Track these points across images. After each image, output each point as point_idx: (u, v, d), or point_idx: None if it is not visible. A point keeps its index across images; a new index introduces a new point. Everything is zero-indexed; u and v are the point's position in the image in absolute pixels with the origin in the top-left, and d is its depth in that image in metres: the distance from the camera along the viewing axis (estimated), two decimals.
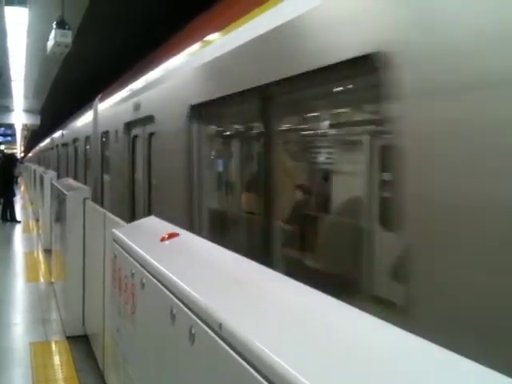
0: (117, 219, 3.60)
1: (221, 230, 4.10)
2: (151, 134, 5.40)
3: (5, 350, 4.83)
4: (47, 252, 9.28)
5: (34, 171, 15.32)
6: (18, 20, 9.37)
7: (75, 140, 11.39)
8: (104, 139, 8.02)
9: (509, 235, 1.41)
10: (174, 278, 1.60)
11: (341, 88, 2.48)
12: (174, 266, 1.78)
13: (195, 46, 4.01)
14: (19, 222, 14.18)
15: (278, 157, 2.92)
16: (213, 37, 3.58)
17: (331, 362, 0.95)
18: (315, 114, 3.04)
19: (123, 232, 2.55)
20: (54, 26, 6.72)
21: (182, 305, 1.46)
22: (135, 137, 6.21)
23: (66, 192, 5.34)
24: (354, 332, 1.07)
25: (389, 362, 0.92)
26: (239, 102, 3.19)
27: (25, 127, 30.67)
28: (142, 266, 1.94)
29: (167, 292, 1.61)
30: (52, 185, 7.91)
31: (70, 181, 7.52)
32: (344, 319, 1.15)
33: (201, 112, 3.85)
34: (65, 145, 13.65)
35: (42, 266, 8.66)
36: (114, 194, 7.43)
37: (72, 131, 11.62)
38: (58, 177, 11.21)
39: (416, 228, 1.71)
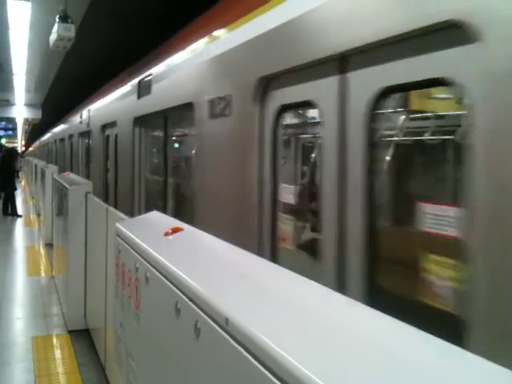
0: (118, 213, 3.60)
1: None
2: None
3: (7, 344, 4.85)
4: (48, 246, 9.30)
5: (36, 165, 15.31)
6: (21, 14, 9.35)
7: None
8: None
9: None
10: (179, 273, 1.59)
11: None
12: (179, 260, 1.77)
13: None
14: (20, 216, 14.21)
15: None
16: None
17: (339, 357, 0.94)
18: None
19: (126, 226, 2.55)
20: (57, 20, 6.70)
21: (186, 299, 1.46)
22: None
23: (68, 186, 5.34)
24: (362, 329, 1.07)
25: (396, 358, 0.92)
26: None
27: (26, 121, 30.63)
28: (146, 261, 1.94)
29: (172, 286, 1.60)
30: (53, 179, 7.91)
31: (72, 175, 7.51)
32: (353, 316, 1.15)
33: None
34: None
35: (44, 260, 8.67)
36: None
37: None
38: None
39: None
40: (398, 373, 0.86)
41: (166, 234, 2.13)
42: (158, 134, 5.69)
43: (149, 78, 5.28)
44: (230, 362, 1.16)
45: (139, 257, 2.05)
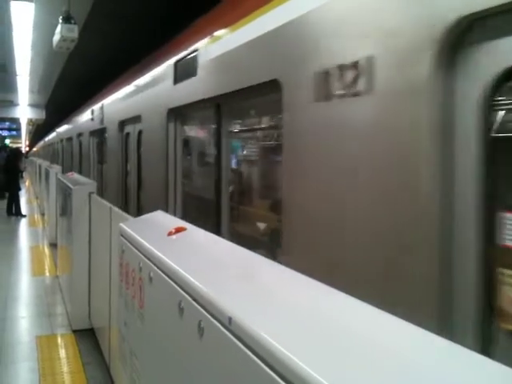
0: (122, 213, 3.61)
1: None
2: None
3: (12, 343, 4.87)
4: (53, 246, 9.33)
5: (40, 166, 15.36)
6: (24, 14, 9.38)
7: None
8: None
9: None
10: (182, 272, 1.60)
11: None
12: (182, 259, 1.78)
13: None
14: (24, 216, 14.25)
15: None
16: None
17: (342, 357, 0.95)
18: None
19: (130, 226, 2.56)
20: (60, 21, 6.72)
21: (190, 298, 1.47)
22: None
23: (71, 186, 5.35)
24: (367, 329, 1.07)
25: (401, 359, 0.92)
26: None
27: (30, 122, 30.73)
28: (150, 260, 1.95)
29: (175, 286, 1.61)
30: (57, 179, 7.93)
31: (76, 175, 7.53)
32: (355, 315, 1.15)
33: None
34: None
35: (48, 260, 8.70)
36: None
37: None
38: None
39: None
40: (403, 373, 0.87)
41: (170, 234, 2.13)
42: (206, 128, 4.50)
43: (193, 55, 3.99)
44: (233, 361, 1.16)
45: (143, 256, 2.06)
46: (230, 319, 1.18)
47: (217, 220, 3.64)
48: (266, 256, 1.64)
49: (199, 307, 1.39)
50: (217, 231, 3.43)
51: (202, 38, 3.80)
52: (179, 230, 2.15)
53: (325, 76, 2.18)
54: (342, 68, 2.05)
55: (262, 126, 3.64)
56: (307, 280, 1.39)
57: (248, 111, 3.76)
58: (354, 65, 1.98)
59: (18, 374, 4.21)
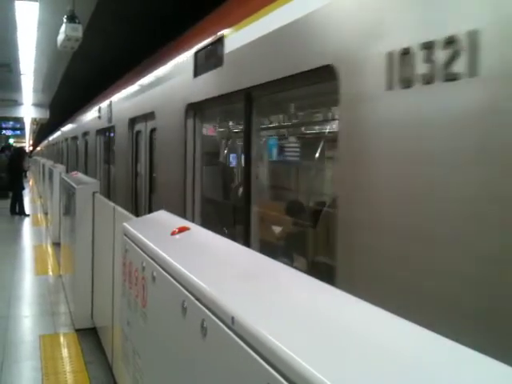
0: (125, 213, 3.61)
1: None
2: None
3: (15, 342, 4.88)
4: (56, 245, 9.35)
5: (43, 165, 15.39)
6: (29, 14, 9.41)
7: None
8: None
9: None
10: (186, 272, 1.60)
11: None
12: (185, 259, 1.78)
13: None
14: (28, 215, 14.29)
15: None
16: None
17: (345, 357, 0.95)
18: None
19: (134, 226, 2.56)
20: (65, 20, 6.74)
21: (193, 298, 1.47)
22: None
23: (75, 186, 5.37)
24: (370, 329, 1.07)
25: (401, 359, 0.92)
26: None
27: (34, 121, 30.81)
28: (153, 260, 1.95)
29: (178, 285, 1.61)
30: (61, 178, 7.95)
31: (80, 174, 7.55)
32: (358, 315, 1.15)
33: None
34: None
35: (51, 260, 8.72)
36: None
37: None
38: None
39: None
40: (403, 373, 0.87)
41: (173, 234, 2.14)
42: (233, 125, 4.15)
43: (219, 42, 3.57)
44: (236, 360, 1.16)
45: (146, 256, 2.07)
46: (232, 319, 1.18)
47: (244, 231, 3.19)
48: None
49: (202, 307, 1.39)
50: (245, 243, 3.01)
51: (232, 23, 3.32)
52: (182, 229, 2.15)
53: (403, 57, 1.78)
54: (429, 46, 1.68)
55: (304, 121, 3.18)
56: (310, 280, 1.39)
57: (287, 105, 3.25)
58: (449, 42, 1.61)
59: (21, 373, 4.22)
